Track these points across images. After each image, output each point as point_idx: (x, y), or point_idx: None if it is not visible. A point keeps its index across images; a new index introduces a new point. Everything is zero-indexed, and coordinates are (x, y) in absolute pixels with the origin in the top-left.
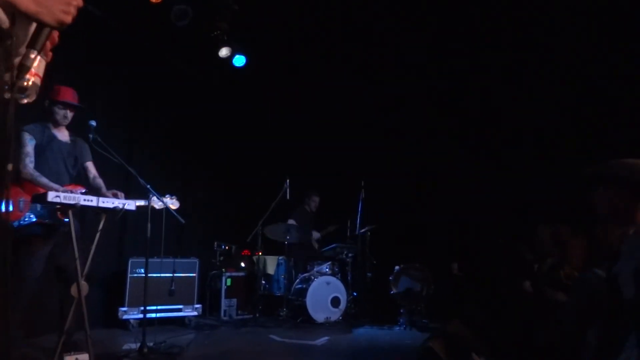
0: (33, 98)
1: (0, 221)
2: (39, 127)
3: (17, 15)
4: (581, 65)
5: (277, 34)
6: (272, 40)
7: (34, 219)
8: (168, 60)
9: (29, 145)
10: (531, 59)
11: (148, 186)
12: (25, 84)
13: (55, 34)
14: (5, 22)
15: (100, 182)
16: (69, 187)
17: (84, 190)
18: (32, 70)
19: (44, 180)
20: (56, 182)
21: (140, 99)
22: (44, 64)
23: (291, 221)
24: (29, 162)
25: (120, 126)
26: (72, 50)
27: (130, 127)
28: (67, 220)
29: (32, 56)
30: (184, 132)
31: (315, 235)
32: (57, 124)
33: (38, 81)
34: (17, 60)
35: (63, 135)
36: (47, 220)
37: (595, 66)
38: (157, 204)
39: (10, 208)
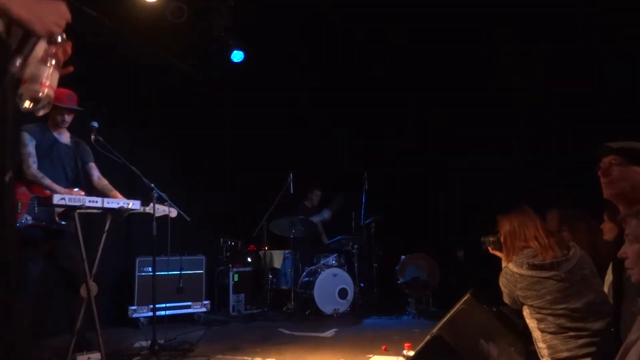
0: (48, 109)
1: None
2: (38, 127)
3: (13, 26)
4: (590, 47)
5: (275, 27)
6: (271, 33)
7: (31, 221)
8: (166, 59)
9: (30, 145)
10: (539, 45)
11: (152, 185)
12: (40, 94)
13: (68, 45)
14: None
15: (106, 183)
16: (68, 191)
17: (83, 194)
18: (46, 83)
19: (48, 181)
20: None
21: (140, 98)
22: (57, 75)
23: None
24: (32, 163)
25: (122, 126)
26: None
27: (132, 127)
28: (63, 222)
29: (18, 62)
30: (185, 129)
31: (326, 213)
32: (56, 126)
33: (51, 93)
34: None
35: (64, 137)
36: (43, 223)
37: (605, 49)
38: (158, 211)
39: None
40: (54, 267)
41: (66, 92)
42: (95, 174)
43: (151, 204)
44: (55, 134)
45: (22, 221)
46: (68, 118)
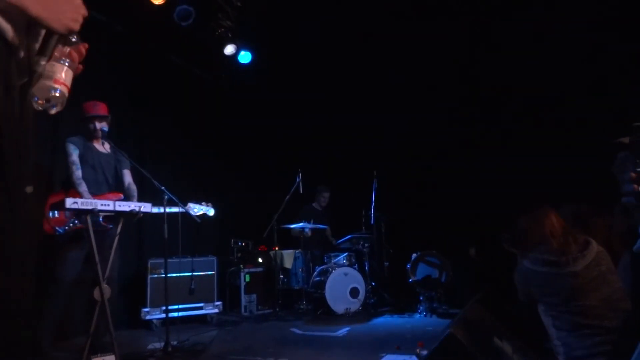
0: (61, 108)
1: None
2: (81, 139)
3: (32, 27)
4: (603, 38)
5: (283, 28)
6: (279, 34)
7: (77, 223)
8: (175, 61)
9: (74, 154)
10: (548, 34)
11: (163, 188)
12: (54, 94)
13: (83, 46)
14: (9, 32)
15: (134, 189)
16: (107, 196)
17: (122, 197)
18: (60, 80)
19: (82, 188)
20: (96, 192)
21: (149, 101)
22: (71, 74)
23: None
24: (76, 170)
25: (131, 129)
26: None
27: (141, 130)
28: (111, 226)
29: (43, 63)
30: (194, 132)
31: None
32: (93, 138)
33: (66, 91)
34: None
35: (103, 147)
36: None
37: (617, 39)
38: (192, 210)
39: (56, 214)
40: (90, 269)
41: (91, 103)
42: (127, 180)
43: (190, 205)
44: (95, 145)
45: (70, 224)
46: (100, 126)
